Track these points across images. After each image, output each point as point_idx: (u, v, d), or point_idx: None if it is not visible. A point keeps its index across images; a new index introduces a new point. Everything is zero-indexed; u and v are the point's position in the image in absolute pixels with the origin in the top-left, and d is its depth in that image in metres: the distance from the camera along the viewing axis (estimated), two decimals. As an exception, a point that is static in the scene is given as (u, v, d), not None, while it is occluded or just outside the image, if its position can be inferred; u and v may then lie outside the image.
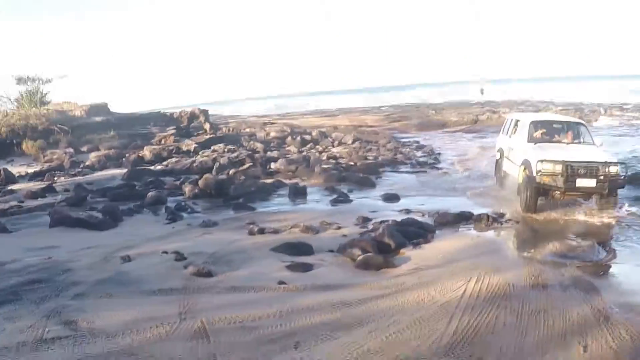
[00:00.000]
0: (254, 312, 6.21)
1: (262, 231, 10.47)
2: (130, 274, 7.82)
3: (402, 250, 9.22)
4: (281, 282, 7.42)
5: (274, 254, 8.94)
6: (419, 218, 11.46)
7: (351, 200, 14.02)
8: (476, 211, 11.97)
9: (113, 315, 6.13)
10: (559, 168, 12.33)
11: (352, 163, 19.74)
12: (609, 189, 12.52)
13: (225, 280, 7.52)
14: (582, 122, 16.29)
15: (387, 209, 12.93)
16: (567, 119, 16.84)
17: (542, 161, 12.54)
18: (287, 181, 16.50)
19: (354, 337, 5.52)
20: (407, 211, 12.40)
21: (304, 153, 21.96)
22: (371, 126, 33.11)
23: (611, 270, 8.55)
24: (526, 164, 13.23)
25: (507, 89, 76.43)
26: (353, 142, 25.10)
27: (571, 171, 12.33)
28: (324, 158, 20.70)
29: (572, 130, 14.76)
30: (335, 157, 20.99)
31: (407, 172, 18.96)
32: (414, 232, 10.14)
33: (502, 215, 11.99)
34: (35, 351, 5.26)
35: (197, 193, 14.72)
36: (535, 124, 14.83)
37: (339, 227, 10.87)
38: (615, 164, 12.74)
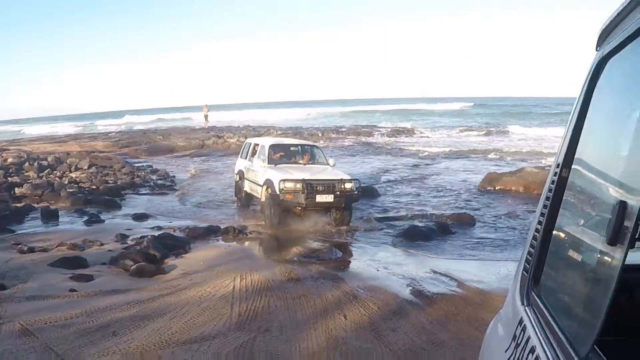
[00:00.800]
0: (62, 314, 7.31)
1: (32, 250, 11.10)
2: None
3: (166, 260, 10.70)
4: (72, 290, 8.54)
5: (53, 268, 9.76)
6: (173, 233, 12.92)
7: (103, 221, 14.98)
8: (222, 225, 13.77)
9: None
10: (299, 186, 13.79)
11: (94, 187, 20.36)
12: (345, 203, 14.21)
13: (19, 291, 8.35)
14: (316, 145, 18.39)
15: (140, 226, 14.16)
16: (303, 142, 18.63)
17: (283, 180, 13.91)
18: (36, 205, 16.86)
19: (159, 324, 7.06)
20: (159, 228, 13.72)
21: (44, 178, 21.96)
22: (102, 151, 33.09)
23: (350, 265, 11.17)
24: (269, 184, 14.54)
25: (227, 115, 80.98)
26: (89, 167, 25.38)
27: (311, 188, 13.82)
28: (66, 182, 21.03)
29: (308, 152, 16.44)
30: (76, 182, 21.33)
31: (147, 193, 20.17)
32: (172, 245, 11.67)
33: (245, 228, 13.92)
34: None
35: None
36: (274, 147, 16.22)
37: (102, 244, 11.91)
38: (350, 180, 14.42)
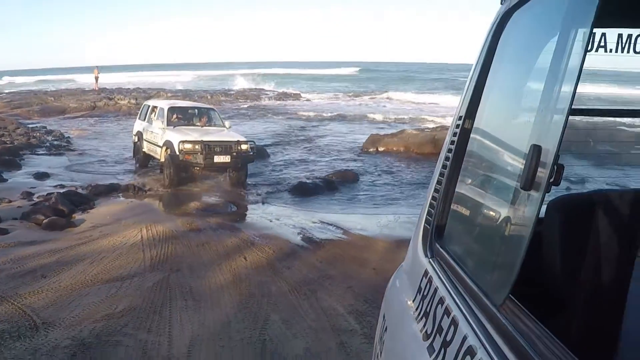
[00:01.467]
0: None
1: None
2: None
3: (74, 215, 11.42)
4: (-6, 239, 9.30)
5: None
6: (77, 190, 13.56)
7: (6, 180, 15.20)
8: (122, 184, 14.56)
9: None
10: (198, 147, 14.39)
11: None
12: (241, 163, 15.01)
13: None
14: (213, 108, 19.09)
15: (43, 185, 14.55)
16: (201, 105, 19.25)
17: (183, 142, 14.48)
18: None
19: (81, 268, 8.02)
20: (62, 186, 14.19)
21: None
22: None
23: (245, 218, 12.42)
24: (168, 145, 14.97)
25: (115, 76, 79.50)
26: None
27: (209, 150, 14.45)
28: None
29: (205, 115, 17.05)
30: None
31: (45, 154, 20.25)
32: (78, 201, 12.42)
33: (144, 186, 14.76)
34: None
35: None
36: (172, 110, 16.73)
37: (10, 201, 12.36)
38: (245, 142, 15.18)
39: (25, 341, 5.55)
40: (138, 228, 10.27)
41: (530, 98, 1.83)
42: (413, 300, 2.26)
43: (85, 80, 63.25)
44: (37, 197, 12.81)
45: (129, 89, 53.79)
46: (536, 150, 1.44)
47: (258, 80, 73.89)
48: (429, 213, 2.43)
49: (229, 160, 14.78)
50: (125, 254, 8.73)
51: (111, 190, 13.94)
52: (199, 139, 14.67)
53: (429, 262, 2.26)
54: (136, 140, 18.04)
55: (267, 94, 52.79)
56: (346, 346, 5.94)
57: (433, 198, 2.41)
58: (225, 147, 14.80)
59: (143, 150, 17.28)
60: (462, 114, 2.29)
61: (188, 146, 14.47)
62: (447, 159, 2.34)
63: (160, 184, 15.17)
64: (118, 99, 39.64)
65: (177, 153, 14.46)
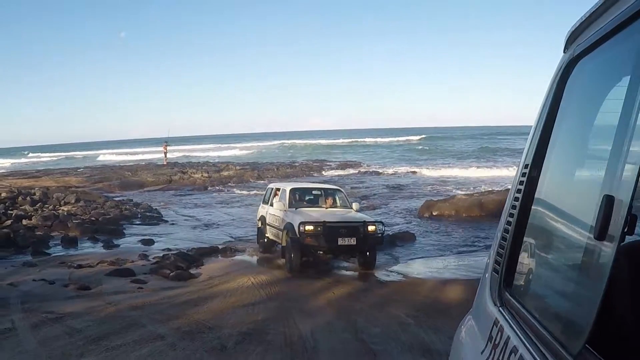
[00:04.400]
0: (148, 299, 11.14)
1: (80, 266, 14.66)
2: (31, 292, 11.81)
3: (190, 270, 14.42)
4: (140, 288, 12.31)
5: (111, 277, 13.34)
6: (186, 252, 16.59)
7: (118, 245, 18.56)
8: (220, 246, 17.61)
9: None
10: (320, 229, 13.85)
11: (93, 218, 23.58)
12: (369, 247, 14.35)
13: (102, 290, 12.01)
14: (339, 188, 18.18)
15: (152, 248, 17.76)
16: (324, 187, 18.48)
17: (304, 223, 13.96)
18: (53, 234, 20.18)
19: (220, 300, 11.18)
20: (169, 249, 17.18)
21: (45, 210, 25.00)
22: (78, 187, 35.85)
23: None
24: (289, 227, 14.52)
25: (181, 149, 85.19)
26: (77, 201, 28.54)
27: (332, 231, 13.88)
28: (65, 214, 24.20)
29: (330, 196, 16.43)
30: (72, 214, 24.58)
31: (141, 224, 23.73)
32: (190, 259, 15.47)
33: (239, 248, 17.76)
34: None
35: (-15, 245, 17.77)
36: (294, 191, 16.40)
37: (132, 261, 15.47)
38: (373, 223, 14.48)
39: (209, 334, 8.64)
40: (246, 277, 13.26)
41: (600, 147, 1.84)
42: (482, 352, 2.27)
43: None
44: (153, 258, 15.80)
45: (198, 162, 58.40)
46: (609, 200, 1.44)
47: (323, 151, 77.85)
48: (496, 262, 2.45)
49: (355, 243, 14.14)
50: (246, 292, 11.76)
51: (213, 251, 16.94)
52: (321, 220, 14.25)
53: (499, 310, 2.26)
54: (260, 225, 17.85)
55: (329, 165, 56.50)
56: (405, 329, 8.92)
57: (500, 246, 2.43)
58: (351, 228, 14.25)
59: (266, 235, 16.99)
60: (529, 162, 2.31)
61: (309, 227, 14.01)
62: (513, 207, 2.36)
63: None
64: (191, 173, 43.62)
65: (298, 236, 14.06)
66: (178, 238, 20.15)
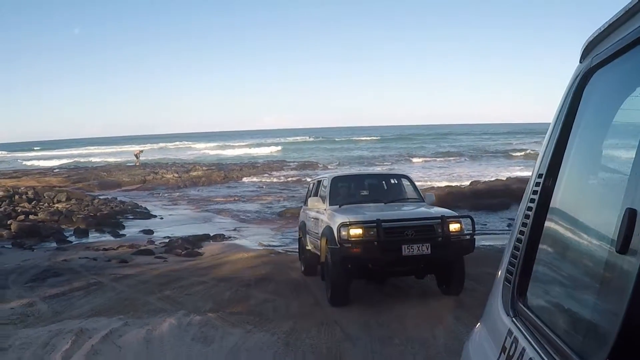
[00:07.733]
0: (177, 267, 15.15)
1: (106, 249, 18.42)
2: (86, 265, 15.59)
3: (195, 250, 18.35)
4: (165, 260, 16.28)
5: (137, 255, 17.11)
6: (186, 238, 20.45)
7: (125, 235, 22.24)
8: (212, 233, 21.48)
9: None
10: (372, 233, 9.40)
11: (92, 214, 26.84)
12: (452, 256, 9.82)
13: (138, 263, 15.88)
14: (405, 174, 13.67)
15: (155, 237, 21.38)
16: (382, 172, 14.90)
17: (345, 224, 9.51)
18: (64, 227, 23.75)
19: (230, 265, 15.26)
20: (168, 237, 20.69)
21: (40, 208, 28.07)
22: (59, 186, 38.13)
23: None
24: (327, 233, 10.22)
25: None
26: (68, 200, 31.37)
27: (391, 235, 9.43)
28: (63, 211, 27.50)
29: (391, 186, 12.39)
30: (72, 211, 27.77)
31: (135, 218, 27.01)
32: (192, 242, 19.39)
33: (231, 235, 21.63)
34: None
35: (15, 234, 21.32)
36: (337, 181, 12.14)
37: (144, 246, 19.18)
38: (457, 218, 10.05)
39: (235, 279, 13.14)
40: (242, 253, 17.31)
41: (621, 158, 1.79)
42: None
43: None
44: (159, 243, 19.60)
45: (167, 163, 62.34)
46: (632, 214, 1.40)
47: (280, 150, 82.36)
48: (508, 271, 2.39)
49: (430, 252, 9.48)
50: (248, 262, 15.81)
51: (206, 238, 20.68)
52: (373, 219, 9.60)
53: (512, 321, 2.21)
54: (300, 235, 13.93)
55: (288, 165, 59.05)
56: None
57: (513, 256, 2.38)
58: (421, 229, 9.68)
59: (307, 247, 12.93)
60: (543, 172, 2.28)
61: (355, 231, 9.50)
62: (527, 217, 2.32)
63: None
64: (162, 173, 47.27)
65: (339, 245, 9.57)
66: (171, 229, 23.56)
